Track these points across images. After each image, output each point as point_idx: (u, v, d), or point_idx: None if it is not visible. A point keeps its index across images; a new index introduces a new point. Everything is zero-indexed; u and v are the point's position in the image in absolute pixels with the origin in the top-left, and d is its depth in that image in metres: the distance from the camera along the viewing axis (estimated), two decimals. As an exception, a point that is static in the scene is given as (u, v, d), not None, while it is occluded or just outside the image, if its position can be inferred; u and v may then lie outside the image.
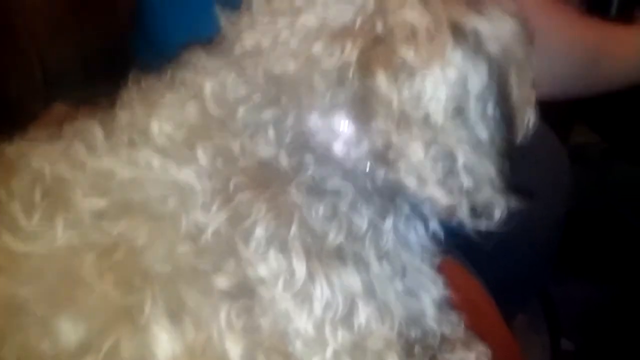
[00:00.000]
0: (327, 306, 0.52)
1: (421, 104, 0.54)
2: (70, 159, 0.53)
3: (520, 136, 0.61)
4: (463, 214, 0.58)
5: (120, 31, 1.02)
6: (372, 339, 0.54)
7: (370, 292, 0.55)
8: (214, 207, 0.51)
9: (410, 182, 0.56)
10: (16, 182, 0.52)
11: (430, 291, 0.62)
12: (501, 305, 0.96)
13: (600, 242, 1.67)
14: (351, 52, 0.55)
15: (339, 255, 0.54)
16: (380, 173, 0.58)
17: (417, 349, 0.65)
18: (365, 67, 0.55)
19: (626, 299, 1.56)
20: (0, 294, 0.47)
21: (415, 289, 0.61)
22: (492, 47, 0.56)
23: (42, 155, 0.53)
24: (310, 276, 0.51)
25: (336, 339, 0.52)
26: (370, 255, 0.56)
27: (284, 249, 0.51)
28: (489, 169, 0.57)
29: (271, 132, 0.56)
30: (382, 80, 0.54)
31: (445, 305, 0.68)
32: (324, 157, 0.57)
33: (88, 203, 0.50)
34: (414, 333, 0.63)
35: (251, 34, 0.59)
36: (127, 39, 1.03)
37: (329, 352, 0.51)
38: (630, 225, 1.68)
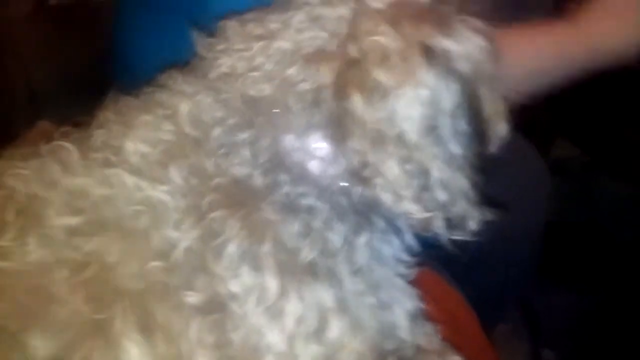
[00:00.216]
0: (298, 321, 0.53)
1: (395, 123, 0.55)
2: (44, 178, 0.54)
3: (492, 148, 0.63)
4: (439, 227, 0.59)
5: (101, 53, 1.03)
6: (344, 352, 0.55)
7: (342, 306, 0.56)
8: (186, 225, 0.52)
9: (387, 199, 0.57)
10: (-11, 201, 0.53)
11: (403, 304, 0.63)
12: (481, 315, 0.96)
13: (581, 253, 1.68)
14: (326, 75, 0.57)
15: (312, 271, 0.55)
16: (357, 190, 0.59)
17: (391, 360, 0.66)
18: (340, 89, 0.56)
19: (607, 309, 1.57)
20: (-28, 310, 0.48)
21: (389, 303, 0.62)
22: (462, 65, 0.57)
23: (16, 174, 0.54)
24: (283, 292, 0.52)
25: (308, 353, 0.53)
26: (344, 270, 0.57)
27: (256, 265, 0.52)
28: (463, 183, 0.58)
29: (246, 152, 0.57)
30: (357, 102, 0.55)
31: (420, 316, 0.69)
32: (299, 175, 0.58)
33: (61, 221, 0.51)
34: (388, 345, 0.64)
35: (227, 59, 0.61)
36: (108, 61, 1.04)
37: None
38: (611, 236, 1.69)
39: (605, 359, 1.50)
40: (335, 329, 0.54)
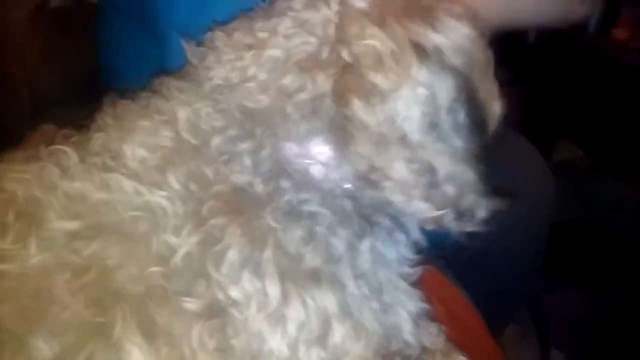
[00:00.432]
0: (301, 326, 0.52)
1: (396, 125, 0.56)
2: (43, 182, 0.54)
3: (492, 130, 0.63)
4: (449, 222, 0.59)
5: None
6: (347, 357, 0.54)
7: (345, 311, 0.55)
8: (186, 231, 0.52)
9: (397, 200, 0.58)
10: (-11, 204, 0.53)
11: (407, 306, 0.63)
12: (488, 316, 0.96)
13: (588, 253, 1.68)
14: (323, 82, 0.57)
15: (315, 277, 0.55)
16: (366, 194, 0.59)
17: (395, 361, 0.66)
18: (339, 95, 0.56)
19: (613, 308, 1.56)
20: (-26, 312, 0.48)
21: (392, 305, 0.62)
22: (454, 58, 0.57)
23: (16, 178, 0.54)
24: (285, 297, 0.52)
25: (310, 358, 0.53)
26: (347, 275, 0.57)
27: (257, 271, 0.52)
28: (469, 175, 0.59)
29: (247, 161, 0.57)
30: (357, 107, 0.55)
31: (424, 317, 0.69)
32: (302, 182, 0.58)
33: (61, 224, 0.51)
34: (393, 346, 0.64)
35: (219, 70, 0.61)
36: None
37: None
38: (617, 236, 1.69)
39: (613, 358, 1.50)
40: (339, 334, 0.54)
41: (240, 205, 0.55)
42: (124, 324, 0.47)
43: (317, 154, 0.60)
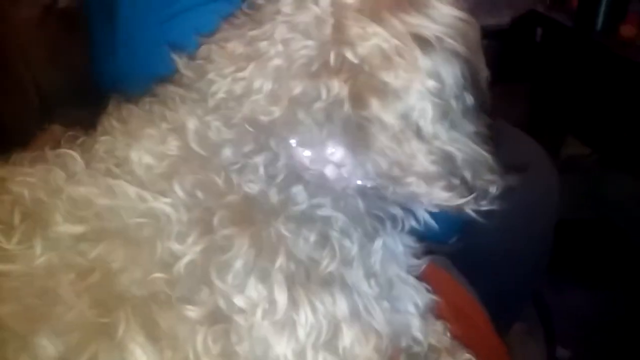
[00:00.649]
0: (310, 331, 0.53)
1: (412, 119, 0.57)
2: (49, 185, 0.54)
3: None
4: (470, 208, 0.60)
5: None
6: None
7: (355, 314, 0.56)
8: (191, 239, 0.52)
9: (422, 192, 0.59)
10: (-4, 205, 0.54)
11: (415, 301, 0.64)
12: (495, 314, 0.96)
13: (595, 251, 1.67)
14: (341, 88, 0.57)
15: (326, 281, 0.55)
16: (390, 189, 0.60)
17: (402, 358, 0.66)
18: (357, 98, 0.57)
19: (620, 305, 1.56)
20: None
21: (402, 301, 0.63)
22: (454, 43, 0.58)
23: (22, 180, 0.55)
24: (294, 303, 0.53)
25: None
26: (359, 276, 0.58)
27: (264, 279, 0.53)
28: (484, 156, 0.60)
29: (261, 170, 0.57)
30: (376, 107, 0.56)
31: (431, 315, 0.69)
32: (316, 187, 0.59)
33: (66, 227, 0.52)
34: (401, 343, 0.64)
35: (221, 84, 0.60)
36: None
37: None
38: (624, 233, 1.68)
39: (620, 356, 1.49)
40: (348, 338, 0.55)
41: (251, 215, 0.55)
42: (127, 325, 0.48)
43: (331, 156, 0.60)
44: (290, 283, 0.53)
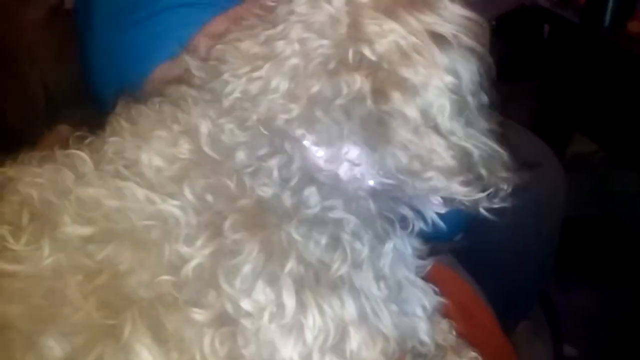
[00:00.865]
0: (317, 335, 0.53)
1: (431, 114, 0.57)
2: (58, 186, 0.54)
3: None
4: (484, 205, 0.61)
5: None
6: None
7: (363, 317, 0.56)
8: (199, 242, 0.52)
9: (442, 186, 0.59)
10: (4, 206, 0.54)
11: (423, 303, 0.64)
12: (502, 313, 0.96)
13: (601, 249, 1.67)
14: (363, 83, 0.57)
15: (335, 284, 0.55)
16: (409, 185, 0.60)
17: (408, 358, 0.66)
18: (380, 93, 0.57)
19: (627, 303, 1.56)
20: (-14, 312, 0.49)
21: (409, 304, 0.63)
22: (468, 40, 0.59)
23: (30, 181, 0.55)
24: (302, 306, 0.53)
25: None
26: (368, 278, 0.58)
27: (272, 282, 0.53)
28: (499, 153, 0.60)
29: (275, 173, 0.57)
30: (398, 101, 0.57)
31: (437, 314, 0.69)
32: (329, 188, 0.59)
33: (74, 229, 0.52)
34: (407, 345, 0.64)
35: (236, 84, 0.60)
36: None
37: None
38: (630, 231, 1.67)
39: (626, 354, 1.49)
40: (355, 341, 0.55)
41: (264, 218, 0.55)
42: (134, 327, 0.48)
43: (346, 155, 0.60)
44: (299, 286, 0.53)
